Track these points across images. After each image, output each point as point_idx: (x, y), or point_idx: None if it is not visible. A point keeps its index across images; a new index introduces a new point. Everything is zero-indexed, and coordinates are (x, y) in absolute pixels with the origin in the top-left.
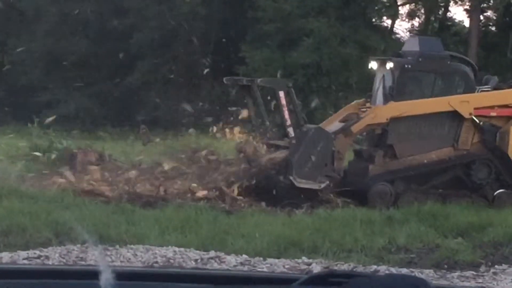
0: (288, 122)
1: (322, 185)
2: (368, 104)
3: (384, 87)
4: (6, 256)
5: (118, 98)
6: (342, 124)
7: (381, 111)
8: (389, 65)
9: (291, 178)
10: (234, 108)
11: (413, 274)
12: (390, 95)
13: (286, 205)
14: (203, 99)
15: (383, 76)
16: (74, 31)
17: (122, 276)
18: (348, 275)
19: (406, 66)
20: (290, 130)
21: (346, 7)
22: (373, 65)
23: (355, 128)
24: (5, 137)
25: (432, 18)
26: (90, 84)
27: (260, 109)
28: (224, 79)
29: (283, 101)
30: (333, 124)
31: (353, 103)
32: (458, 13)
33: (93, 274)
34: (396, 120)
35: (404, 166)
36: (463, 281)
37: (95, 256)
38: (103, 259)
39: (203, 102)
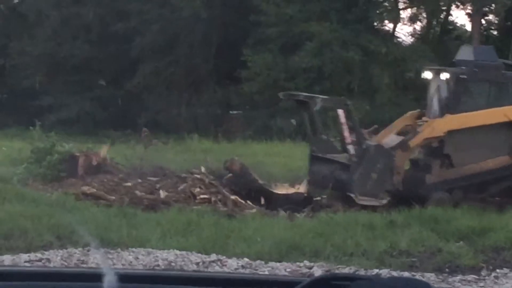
0: (348, 140)
1: (384, 201)
2: (424, 118)
3: (439, 98)
4: (8, 259)
5: (120, 101)
6: (399, 137)
7: (438, 124)
8: (444, 75)
9: (352, 195)
10: (235, 112)
11: (414, 277)
12: (446, 107)
13: (287, 209)
14: (204, 103)
15: (438, 86)
16: (76, 35)
17: (124, 278)
18: (350, 278)
19: (461, 76)
20: (350, 148)
21: (348, 11)
22: (427, 75)
23: (413, 142)
24: (7, 140)
25: (434, 22)
26: (92, 87)
27: (317, 124)
28: (281, 94)
29: (342, 119)
30: (389, 137)
31: (407, 114)
32: (460, 17)
33: (96, 276)
34: (452, 131)
35: (461, 175)
36: (464, 285)
37: (97, 259)
38: (106, 261)
39: (204, 106)
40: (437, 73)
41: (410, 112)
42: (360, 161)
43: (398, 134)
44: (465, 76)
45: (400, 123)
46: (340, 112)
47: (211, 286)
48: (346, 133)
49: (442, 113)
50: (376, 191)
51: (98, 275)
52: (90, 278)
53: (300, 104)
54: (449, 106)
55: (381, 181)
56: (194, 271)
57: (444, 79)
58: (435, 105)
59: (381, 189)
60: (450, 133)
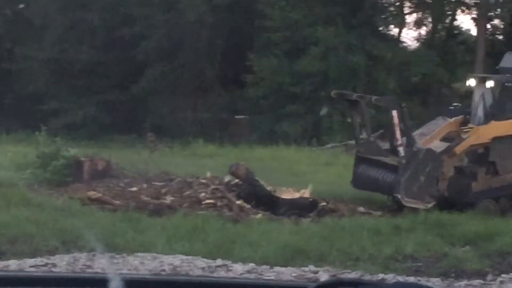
0: (399, 142)
1: (429, 205)
2: (470, 124)
3: (484, 106)
4: (13, 264)
5: (125, 106)
6: (444, 143)
7: (484, 131)
8: (489, 83)
9: (398, 196)
10: (240, 117)
11: (420, 282)
12: (491, 114)
13: (292, 214)
14: (210, 108)
15: (482, 94)
16: (82, 39)
17: (130, 283)
18: (356, 283)
19: (506, 84)
20: (401, 150)
21: (353, 15)
22: (471, 82)
23: (459, 149)
24: (13, 145)
25: (439, 27)
26: (97, 92)
27: (367, 125)
28: (332, 92)
29: (396, 120)
30: (433, 143)
31: (451, 120)
32: (465, 22)
33: (102, 282)
34: (498, 138)
35: (508, 183)
36: None
37: (103, 264)
38: (112, 266)
39: (210, 110)
40: (481, 81)
41: (454, 118)
42: (410, 163)
43: (443, 140)
44: (510, 84)
45: (444, 129)
46: (395, 113)
47: None
48: (398, 135)
49: (487, 120)
50: (423, 194)
51: (104, 280)
52: (96, 283)
53: (351, 104)
54: (495, 113)
55: (428, 185)
56: (200, 276)
57: (489, 87)
58: (479, 112)
59: (427, 192)
60: (496, 140)
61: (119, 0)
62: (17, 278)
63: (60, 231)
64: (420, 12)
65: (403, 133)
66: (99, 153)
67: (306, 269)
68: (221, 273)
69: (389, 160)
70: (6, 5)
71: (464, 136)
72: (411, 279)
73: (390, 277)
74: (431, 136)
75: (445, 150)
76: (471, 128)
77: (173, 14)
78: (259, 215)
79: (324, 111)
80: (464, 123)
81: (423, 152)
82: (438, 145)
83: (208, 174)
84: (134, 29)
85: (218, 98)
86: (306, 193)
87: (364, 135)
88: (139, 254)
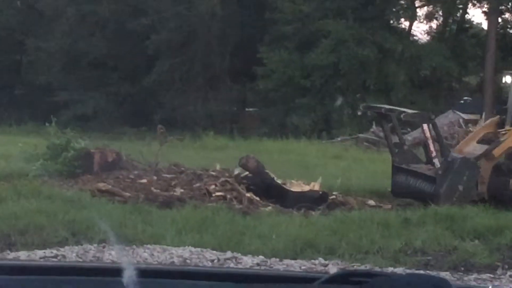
0: (434, 153)
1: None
2: (507, 127)
3: None
4: (23, 255)
5: (135, 98)
6: (482, 146)
7: None
8: None
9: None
10: (251, 109)
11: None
12: None
13: (301, 206)
14: (220, 100)
15: None
16: (92, 32)
17: (144, 273)
18: (369, 275)
19: None
20: (436, 161)
21: (364, 8)
22: (507, 79)
23: (497, 152)
24: (23, 136)
25: (450, 20)
26: (108, 84)
27: (399, 135)
28: (361, 106)
29: (427, 134)
30: (471, 146)
31: (488, 121)
32: (476, 15)
33: (115, 271)
34: None
35: None
36: (479, 284)
37: (115, 254)
38: (126, 256)
39: (220, 103)
40: None
41: (490, 119)
42: (446, 174)
43: (480, 142)
44: None
45: (481, 131)
46: (425, 126)
47: (230, 282)
48: (432, 147)
49: None
50: (463, 202)
51: (117, 269)
52: (108, 272)
53: (381, 116)
54: None
55: (467, 193)
56: (214, 267)
57: None
58: None
59: (467, 200)
60: None
61: None
62: (29, 267)
63: (70, 222)
64: (431, 6)
65: (435, 145)
66: (109, 145)
67: (316, 262)
68: (231, 265)
69: (426, 170)
70: None
71: (502, 138)
72: (421, 272)
73: (400, 271)
74: (468, 138)
75: (482, 154)
76: (508, 130)
77: (184, 7)
78: (269, 208)
79: (339, 101)
80: (501, 123)
81: (458, 161)
82: (476, 148)
83: (218, 167)
84: (145, 22)
85: (228, 90)
86: (315, 186)
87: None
88: (148, 246)
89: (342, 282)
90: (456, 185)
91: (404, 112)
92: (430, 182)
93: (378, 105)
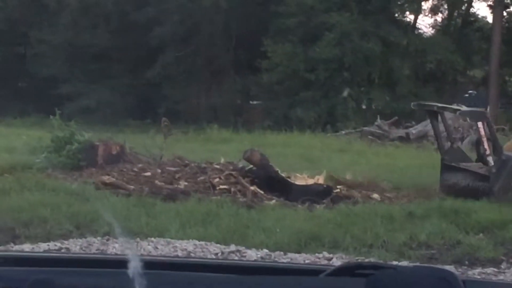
0: (488, 152)
1: None
2: None
3: None
4: (27, 248)
5: (139, 91)
6: None
7: None
8: None
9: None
10: (255, 102)
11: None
12: None
13: (306, 200)
14: (224, 93)
15: None
16: (96, 24)
17: (149, 265)
18: (375, 267)
19: None
20: (490, 159)
21: (368, 1)
22: None
23: None
24: (27, 129)
25: (455, 14)
26: (112, 76)
27: (449, 133)
28: (412, 104)
29: (482, 132)
30: None
31: None
32: (482, 9)
33: (120, 263)
34: None
35: None
36: (484, 278)
37: (122, 246)
38: (131, 248)
39: (224, 96)
40: None
41: None
42: (500, 172)
43: None
44: None
45: None
46: (480, 124)
47: (234, 273)
48: (486, 145)
49: None
50: None
51: (122, 261)
52: (113, 264)
53: (431, 114)
54: None
55: None
56: (219, 259)
57: None
58: None
59: None
60: None
61: None
62: (34, 259)
63: (74, 215)
64: None
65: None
66: (113, 138)
67: (320, 255)
68: (235, 259)
69: (478, 169)
70: None
71: None
72: (427, 265)
73: (404, 264)
74: None
75: None
76: None
77: None
78: (273, 201)
79: (345, 93)
80: None
81: None
82: None
83: (222, 160)
84: (148, 14)
85: (232, 83)
86: (320, 179)
87: (448, 144)
88: (152, 239)
89: (347, 274)
90: (510, 183)
91: (458, 109)
92: (483, 181)
93: (431, 103)
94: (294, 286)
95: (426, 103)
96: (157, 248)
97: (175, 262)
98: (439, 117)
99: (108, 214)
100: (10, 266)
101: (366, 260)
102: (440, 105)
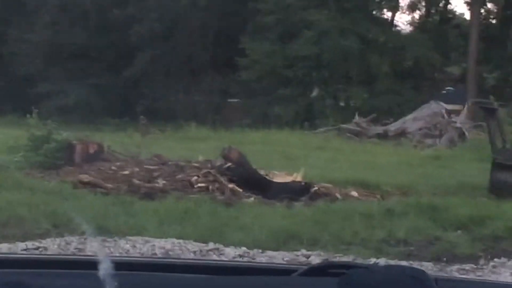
0: None
1: None
2: None
3: None
4: (4, 247)
5: (117, 89)
6: None
7: None
8: None
9: None
10: (234, 100)
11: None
12: None
13: (284, 197)
14: (202, 91)
15: None
16: (74, 22)
17: (121, 266)
18: (347, 266)
19: None
20: None
21: None
22: None
23: None
24: (4, 128)
25: (433, 11)
26: (90, 75)
27: (504, 132)
28: (470, 101)
29: None
30: None
31: None
32: (459, 6)
33: (92, 264)
34: None
35: None
36: (462, 274)
37: (93, 247)
38: (102, 249)
39: (202, 94)
40: None
41: None
42: None
43: None
44: None
45: None
46: None
47: (209, 274)
48: None
49: None
50: None
51: (95, 262)
52: (86, 265)
53: (488, 112)
54: None
55: None
56: (192, 259)
57: None
58: None
59: None
60: None
61: None
62: (7, 260)
63: (51, 214)
64: None
65: None
66: (91, 137)
67: (298, 253)
68: (213, 257)
69: None
70: None
71: None
72: (403, 263)
73: (382, 261)
74: None
75: None
76: None
77: None
78: (252, 199)
79: (315, 92)
80: None
81: None
82: None
83: (200, 158)
84: (127, 12)
85: (210, 81)
86: (298, 177)
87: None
88: (131, 237)
89: (320, 274)
90: None
91: None
92: None
93: (488, 101)
94: (265, 286)
95: (485, 100)
96: (135, 246)
97: (148, 263)
98: (495, 115)
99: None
100: None
101: (345, 257)
102: (499, 103)
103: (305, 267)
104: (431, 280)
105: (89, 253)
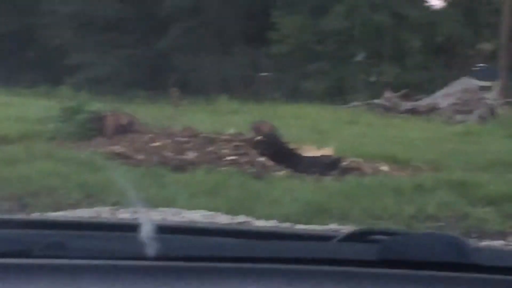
0: None
1: None
2: None
3: None
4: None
5: (149, 61)
6: None
7: None
8: None
9: None
10: (265, 74)
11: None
12: None
13: (314, 171)
14: (234, 65)
15: None
16: None
17: (161, 229)
18: (386, 233)
19: None
20: None
21: None
22: None
23: None
24: (37, 99)
25: None
26: (122, 47)
27: None
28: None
29: None
30: None
31: None
32: None
33: (132, 227)
34: None
35: None
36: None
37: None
38: (143, 213)
39: (233, 67)
40: None
41: None
42: None
43: None
44: None
45: None
46: None
47: (248, 238)
48: None
49: None
50: None
51: (134, 225)
52: (126, 228)
53: None
54: None
55: None
56: (231, 224)
57: None
58: None
59: None
60: None
61: None
62: (45, 223)
63: (83, 184)
64: None
65: None
66: (123, 108)
67: (328, 227)
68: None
69: None
70: None
71: None
72: (437, 232)
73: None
74: None
75: None
76: None
77: None
78: (282, 172)
79: (360, 56)
80: None
81: None
82: None
83: (231, 131)
84: None
85: (242, 55)
86: (329, 151)
87: None
88: (161, 208)
89: (359, 240)
90: None
91: None
92: None
93: None
94: (304, 251)
95: None
96: (165, 218)
97: (187, 227)
98: None
99: (120, 182)
100: (22, 229)
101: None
102: None
103: (344, 233)
104: (470, 247)
105: (132, 219)
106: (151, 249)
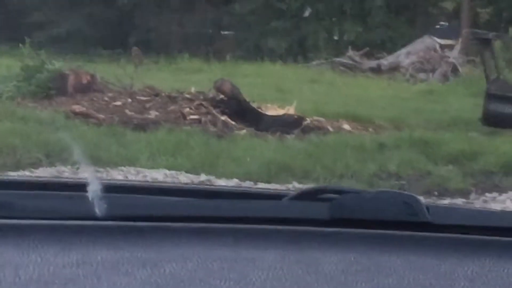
0: None
1: None
2: None
3: None
4: None
5: (111, 20)
6: None
7: None
8: None
9: None
10: (227, 32)
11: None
12: None
13: (276, 130)
14: (196, 23)
15: None
16: None
17: (111, 189)
18: (338, 191)
19: None
20: None
21: None
22: None
23: None
24: None
25: None
26: (83, 5)
27: (497, 63)
28: (464, 31)
29: None
30: None
31: None
32: None
33: (81, 186)
34: None
35: None
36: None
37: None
38: (92, 173)
39: (195, 25)
40: None
41: None
42: None
43: None
44: None
45: None
46: None
47: (200, 198)
48: None
49: None
50: None
51: (84, 185)
52: (75, 188)
53: (483, 43)
54: None
55: None
56: (185, 183)
57: None
58: None
59: None
60: None
61: None
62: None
63: (43, 144)
64: None
65: None
66: (84, 67)
67: (290, 185)
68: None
69: None
70: None
71: None
72: (390, 190)
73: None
74: None
75: None
76: None
77: None
78: (244, 131)
79: (307, 12)
80: None
81: None
82: None
83: (193, 90)
84: None
85: (204, 13)
86: (290, 109)
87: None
88: (123, 168)
89: (310, 198)
90: None
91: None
92: None
93: (483, 31)
94: (255, 210)
95: (480, 31)
96: (127, 177)
97: (138, 186)
98: (490, 47)
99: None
100: None
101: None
102: (495, 33)
103: (296, 192)
104: (423, 206)
105: (79, 177)
106: (98, 209)
